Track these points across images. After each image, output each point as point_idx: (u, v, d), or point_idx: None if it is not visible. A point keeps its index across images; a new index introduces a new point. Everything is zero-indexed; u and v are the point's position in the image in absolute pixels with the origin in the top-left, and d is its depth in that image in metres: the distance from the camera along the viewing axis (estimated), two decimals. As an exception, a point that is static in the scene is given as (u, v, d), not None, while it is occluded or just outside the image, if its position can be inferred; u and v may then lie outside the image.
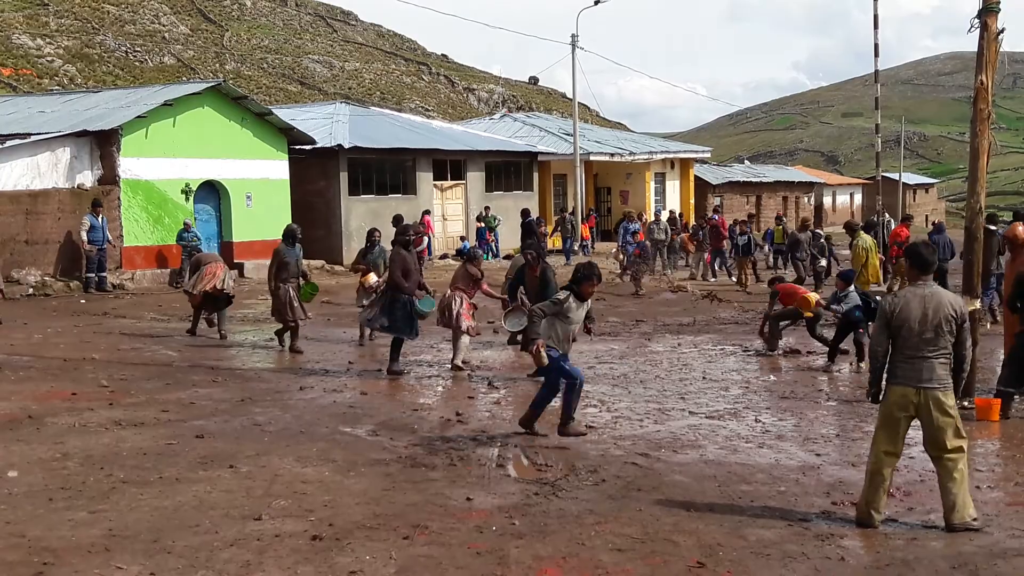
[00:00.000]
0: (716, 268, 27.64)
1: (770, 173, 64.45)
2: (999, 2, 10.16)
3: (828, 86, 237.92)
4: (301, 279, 14.51)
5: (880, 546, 6.17)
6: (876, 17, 24.43)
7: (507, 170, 37.45)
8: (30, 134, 23.54)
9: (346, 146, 30.06)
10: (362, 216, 31.02)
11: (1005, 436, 9.29)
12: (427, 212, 32.19)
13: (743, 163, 71.94)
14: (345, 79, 78.21)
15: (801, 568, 5.79)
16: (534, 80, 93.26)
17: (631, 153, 43.41)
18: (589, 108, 73.45)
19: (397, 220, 16.80)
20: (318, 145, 29.51)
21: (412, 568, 5.78)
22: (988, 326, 15.34)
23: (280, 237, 14.89)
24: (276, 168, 28.08)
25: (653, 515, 6.79)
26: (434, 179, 34.24)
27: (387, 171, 32.55)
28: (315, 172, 30.30)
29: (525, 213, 28.43)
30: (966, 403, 10.20)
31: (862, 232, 18.14)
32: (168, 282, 23.50)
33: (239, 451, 8.46)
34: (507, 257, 33.02)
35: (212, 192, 26.66)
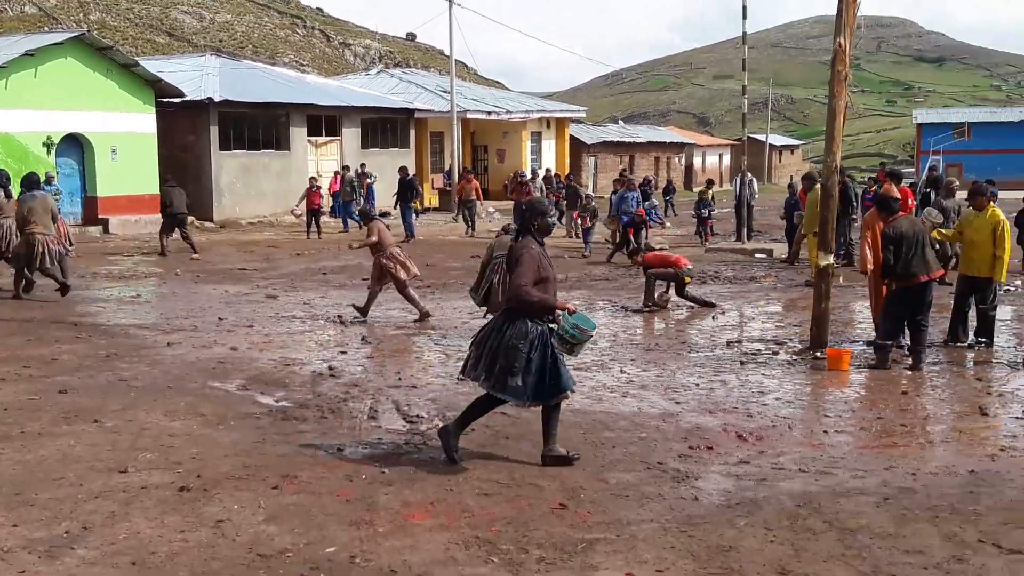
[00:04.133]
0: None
1: (643, 133, 65.50)
2: (858, -33, 10.55)
3: (701, 48, 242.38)
4: None
5: (731, 487, 6.50)
6: (745, -20, 24.99)
7: (383, 127, 37.21)
8: None
9: (216, 99, 29.42)
10: (233, 171, 30.51)
11: (854, 384, 9.80)
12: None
13: (617, 123, 72.90)
14: (216, 31, 76.16)
15: (657, 507, 6.07)
16: (411, 36, 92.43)
17: (508, 112, 43.58)
18: (467, 66, 73.18)
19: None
20: (187, 98, 28.80)
21: (281, 516, 5.86)
22: (840, 280, 16.07)
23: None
24: (143, 121, 27.32)
25: (520, 462, 6.99)
26: (308, 135, 33.79)
27: (260, 126, 32.00)
28: (184, 126, 29.60)
29: (403, 171, 28.28)
30: (818, 354, 10.76)
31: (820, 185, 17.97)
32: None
33: (104, 406, 8.35)
34: (383, 214, 32.90)
35: (75, 145, 25.82)
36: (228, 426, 7.88)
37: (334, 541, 5.50)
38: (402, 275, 13.27)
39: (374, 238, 13.32)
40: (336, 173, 33.31)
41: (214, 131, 30.07)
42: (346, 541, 5.50)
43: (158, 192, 27.27)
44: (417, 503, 6.13)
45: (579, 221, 25.56)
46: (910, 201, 17.67)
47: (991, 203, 11.49)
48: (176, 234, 21.60)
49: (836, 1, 10.62)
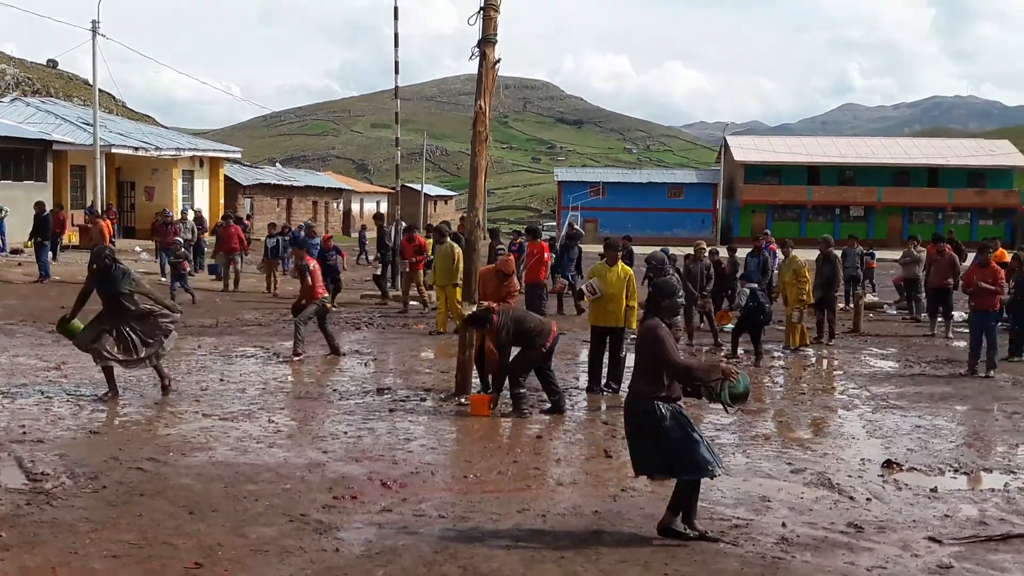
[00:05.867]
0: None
1: (302, 177, 65.21)
2: (496, 33, 11.15)
3: (359, 96, 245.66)
4: None
5: (373, 535, 6.57)
6: (396, 36, 25.57)
7: (17, 158, 34.56)
8: None
9: None
10: None
11: (494, 429, 10.22)
12: None
13: (275, 166, 72.06)
14: None
15: (297, 561, 6.01)
16: (53, 63, 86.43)
17: (157, 148, 41.89)
18: (114, 97, 69.48)
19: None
20: None
21: None
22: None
23: None
24: None
25: (154, 520, 6.69)
26: (-72, 162, 30.74)
27: None
28: None
29: (39, 206, 26.22)
30: (463, 399, 11.15)
31: (451, 239, 17.88)
32: None
33: None
34: (16, 251, 30.41)
35: None
36: None
37: (-64, 617, 5.00)
38: None
39: None
40: None
41: None
42: (-50, 616, 5.02)
43: None
44: (37, 568, 5.71)
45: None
46: (547, 255, 18.75)
47: (621, 258, 12.51)
48: None
49: (477, 65, 11.19)
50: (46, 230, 25.33)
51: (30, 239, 25.86)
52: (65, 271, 26.13)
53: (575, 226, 28.33)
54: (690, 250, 18.15)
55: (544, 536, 6.66)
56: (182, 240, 23.43)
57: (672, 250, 20.38)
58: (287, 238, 26.86)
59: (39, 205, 26.50)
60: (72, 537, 6.26)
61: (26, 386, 11.35)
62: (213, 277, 25.82)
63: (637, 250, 22.68)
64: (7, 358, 13.22)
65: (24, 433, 9.02)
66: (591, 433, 10.13)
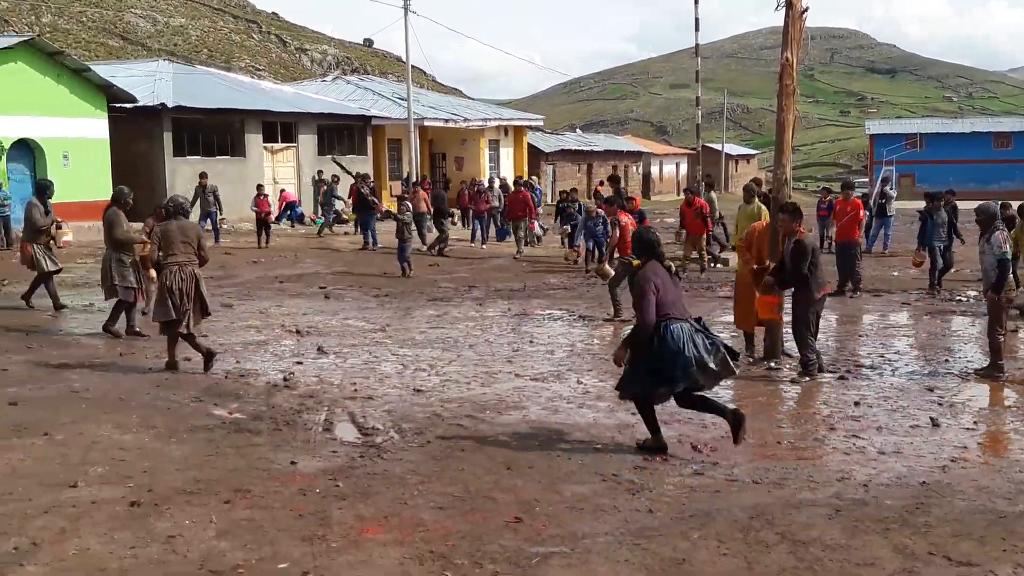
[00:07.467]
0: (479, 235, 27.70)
1: (600, 142, 65.85)
2: (805, -20, 10.70)
3: (657, 57, 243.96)
4: None
5: (685, 498, 6.53)
6: (699, -8, 25.25)
7: (340, 133, 37.05)
8: None
9: (169, 105, 29.19)
10: (188, 178, 30.22)
11: (806, 395, 9.88)
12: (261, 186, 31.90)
13: (575, 132, 73.13)
14: (170, 35, 75.53)
15: (612, 520, 6.08)
16: (368, 42, 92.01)
17: (465, 119, 43.58)
18: (425, 73, 73.06)
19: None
20: (140, 104, 28.53)
21: (233, 531, 5.80)
22: None
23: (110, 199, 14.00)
24: (95, 127, 27.00)
25: (475, 474, 6.98)
26: (264, 141, 33.58)
27: (214, 132, 31.78)
28: (138, 132, 29.32)
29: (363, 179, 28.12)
30: (772, 364, 10.85)
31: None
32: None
33: (55, 418, 8.22)
34: (341, 221, 32.69)
35: (26, 151, 25.44)
36: (180, 439, 7.80)
37: (287, 557, 5.45)
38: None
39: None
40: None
41: (167, 137, 29.83)
42: (299, 557, 5.46)
43: (110, 199, 27.04)
44: (371, 517, 6.10)
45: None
46: (861, 212, 17.82)
47: None
48: None
49: (783, 16, 10.77)
50: (370, 201, 27.01)
51: (352, 210, 27.67)
52: (385, 239, 27.78)
53: (888, 182, 26.80)
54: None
55: (866, 506, 6.36)
56: (409, 214, 22.49)
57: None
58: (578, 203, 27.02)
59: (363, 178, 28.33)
60: (401, 489, 6.64)
61: (356, 347, 12.17)
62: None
63: (962, 205, 21.11)
64: (338, 320, 14.22)
65: (356, 391, 9.67)
66: (913, 399, 9.56)
